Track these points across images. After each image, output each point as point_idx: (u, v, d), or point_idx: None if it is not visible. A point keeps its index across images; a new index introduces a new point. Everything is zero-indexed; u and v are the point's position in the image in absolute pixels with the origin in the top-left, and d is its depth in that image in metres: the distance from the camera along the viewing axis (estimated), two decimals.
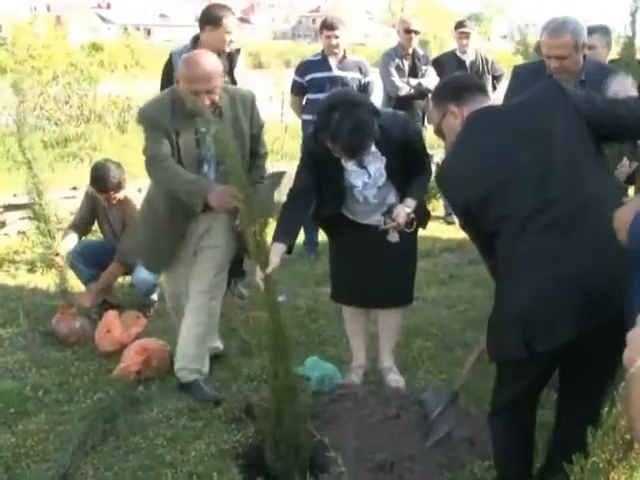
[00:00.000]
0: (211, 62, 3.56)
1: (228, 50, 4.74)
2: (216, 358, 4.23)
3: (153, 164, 3.66)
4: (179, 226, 3.80)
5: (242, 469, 3.20)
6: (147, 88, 13.90)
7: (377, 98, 6.24)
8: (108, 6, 75.46)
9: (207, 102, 3.53)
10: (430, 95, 3.01)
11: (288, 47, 48.75)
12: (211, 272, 3.83)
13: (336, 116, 3.24)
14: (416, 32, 6.54)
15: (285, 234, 3.36)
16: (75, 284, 4.92)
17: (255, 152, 3.90)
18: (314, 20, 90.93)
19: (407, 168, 3.54)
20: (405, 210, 3.52)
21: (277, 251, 3.27)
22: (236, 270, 5.42)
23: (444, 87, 2.93)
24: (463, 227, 2.90)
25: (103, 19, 69.81)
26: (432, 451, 3.21)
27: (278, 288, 3.22)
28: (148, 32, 64.51)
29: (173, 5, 79.61)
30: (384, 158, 3.52)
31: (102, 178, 4.75)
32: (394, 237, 3.61)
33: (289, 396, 3.10)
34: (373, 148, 3.45)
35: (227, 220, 3.78)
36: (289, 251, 3.44)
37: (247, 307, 5.10)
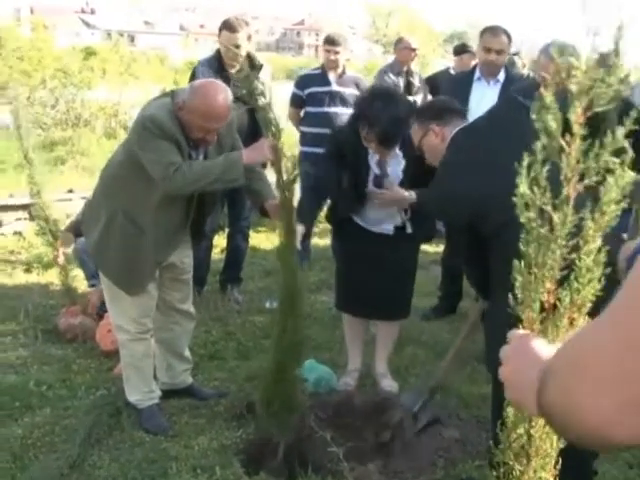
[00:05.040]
0: (228, 97, 3.35)
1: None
2: (214, 360, 4.39)
3: (174, 172, 3.26)
4: (163, 252, 3.60)
5: (243, 464, 3.33)
6: (136, 95, 14.08)
7: None
8: (92, 11, 75.28)
9: (215, 138, 3.44)
10: (415, 114, 3.24)
11: (272, 59, 48.91)
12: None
13: (377, 105, 3.45)
14: (415, 50, 6.76)
15: (305, 214, 3.48)
16: (77, 284, 5.02)
17: None
18: (298, 33, 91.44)
19: (422, 179, 3.63)
20: (403, 191, 3.69)
21: (299, 230, 3.37)
22: (233, 276, 5.58)
23: (427, 108, 3.22)
24: (455, 238, 3.00)
25: (87, 24, 69.66)
26: (425, 450, 3.36)
27: (296, 247, 3.31)
28: (132, 39, 64.42)
29: (158, 13, 79.67)
30: (403, 161, 3.71)
31: None
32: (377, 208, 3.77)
33: (293, 354, 3.26)
34: (397, 149, 3.64)
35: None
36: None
37: (243, 311, 5.23)
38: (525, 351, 1.08)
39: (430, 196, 3.03)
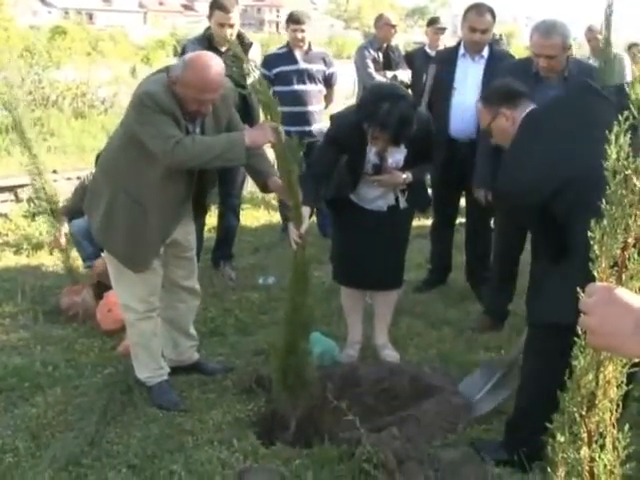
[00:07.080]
0: (221, 68, 3.39)
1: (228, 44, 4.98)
2: (215, 336, 4.46)
3: (175, 145, 3.27)
4: (167, 228, 3.63)
5: (258, 436, 3.41)
6: (103, 74, 13.92)
7: (340, 89, 6.50)
8: None
9: (210, 108, 3.48)
10: (481, 98, 3.29)
11: None
12: None
13: (385, 107, 3.50)
14: (395, 27, 6.85)
15: (308, 196, 3.50)
16: (78, 264, 5.05)
17: None
18: (259, 9, 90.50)
19: (419, 160, 3.87)
20: (401, 174, 3.87)
21: (305, 212, 3.45)
22: (225, 253, 5.63)
23: (496, 92, 3.22)
24: (530, 216, 2.99)
25: (43, 1, 68.25)
26: (435, 416, 3.48)
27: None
28: (90, 17, 63.41)
29: None
30: (405, 150, 3.81)
31: None
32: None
33: (304, 331, 3.39)
34: None
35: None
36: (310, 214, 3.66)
37: (238, 288, 5.29)
38: (613, 300, 1.16)
39: (503, 179, 3.00)
